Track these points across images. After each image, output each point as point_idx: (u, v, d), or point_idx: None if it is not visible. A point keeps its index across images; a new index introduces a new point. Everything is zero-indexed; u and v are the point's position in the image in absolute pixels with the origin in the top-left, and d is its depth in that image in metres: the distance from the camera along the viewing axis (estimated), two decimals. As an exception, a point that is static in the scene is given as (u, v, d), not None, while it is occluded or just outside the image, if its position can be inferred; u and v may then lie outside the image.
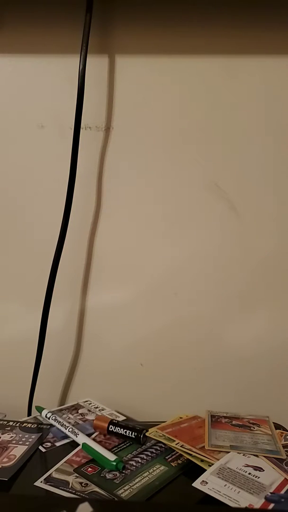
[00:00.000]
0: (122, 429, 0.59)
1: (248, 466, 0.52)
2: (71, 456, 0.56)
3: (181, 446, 0.55)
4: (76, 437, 0.58)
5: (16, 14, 0.67)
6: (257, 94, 0.66)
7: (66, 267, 0.71)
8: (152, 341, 0.72)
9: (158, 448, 0.58)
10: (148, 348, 0.72)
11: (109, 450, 0.56)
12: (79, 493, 0.48)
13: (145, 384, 0.73)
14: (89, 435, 0.59)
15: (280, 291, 0.70)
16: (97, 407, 0.69)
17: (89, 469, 0.53)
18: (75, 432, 0.59)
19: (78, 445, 0.57)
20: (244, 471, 0.51)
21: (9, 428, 0.62)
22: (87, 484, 0.50)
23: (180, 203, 0.69)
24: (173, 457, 0.56)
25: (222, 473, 0.50)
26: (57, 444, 0.59)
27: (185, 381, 0.72)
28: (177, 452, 0.56)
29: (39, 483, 0.50)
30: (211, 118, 0.68)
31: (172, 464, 0.55)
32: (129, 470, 0.53)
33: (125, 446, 0.58)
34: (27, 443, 0.58)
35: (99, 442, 0.58)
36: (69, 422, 0.62)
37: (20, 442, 0.58)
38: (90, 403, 0.70)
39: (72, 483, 0.50)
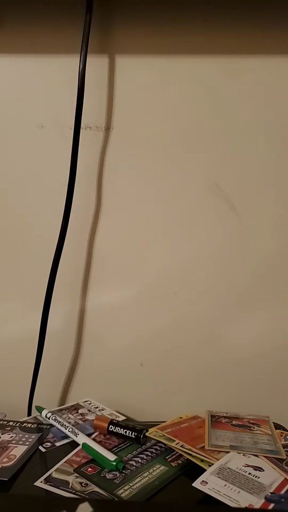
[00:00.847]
0: (122, 429, 0.59)
1: (248, 466, 0.52)
2: (71, 456, 0.56)
3: (181, 446, 0.55)
4: (76, 437, 0.58)
5: (16, 14, 0.67)
6: (257, 94, 0.66)
7: (66, 267, 0.71)
8: (152, 341, 0.72)
9: (158, 448, 0.58)
10: (148, 348, 0.72)
11: (109, 450, 0.56)
12: (79, 493, 0.48)
13: (145, 384, 0.73)
14: (89, 435, 0.59)
15: (280, 291, 0.70)
16: (97, 407, 0.69)
17: (89, 469, 0.53)
18: (75, 432, 0.59)
19: (78, 445, 0.57)
20: (244, 471, 0.51)
21: (9, 428, 0.62)
22: (87, 484, 0.50)
23: (180, 203, 0.69)
24: (173, 457, 0.56)
25: (222, 473, 0.50)
26: (57, 444, 0.59)
27: (185, 381, 0.72)
28: (177, 452, 0.56)
29: (39, 483, 0.50)
30: (211, 118, 0.68)
31: (172, 464, 0.55)
32: (129, 470, 0.53)
33: (125, 446, 0.58)
34: (27, 443, 0.58)
35: (99, 442, 0.58)
36: (69, 422, 0.62)
37: (20, 442, 0.58)
38: (90, 403, 0.70)
39: (72, 483, 0.50)
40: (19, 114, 0.69)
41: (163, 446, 0.58)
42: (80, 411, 0.68)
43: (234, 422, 0.64)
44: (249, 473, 0.50)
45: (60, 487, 0.49)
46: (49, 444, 0.59)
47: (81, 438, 0.58)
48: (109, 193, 0.70)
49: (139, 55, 0.67)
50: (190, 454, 0.54)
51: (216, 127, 0.68)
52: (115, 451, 0.57)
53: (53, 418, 0.63)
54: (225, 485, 0.48)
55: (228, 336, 0.71)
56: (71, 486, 0.49)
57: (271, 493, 0.47)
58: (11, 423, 0.64)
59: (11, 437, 0.60)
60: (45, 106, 0.69)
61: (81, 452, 0.56)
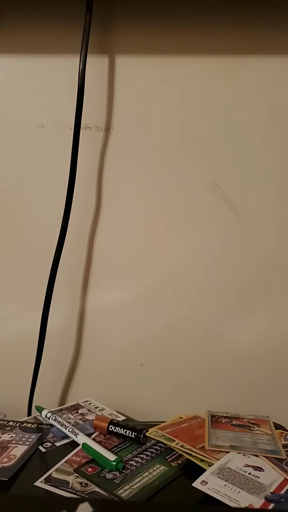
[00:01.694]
0: (122, 429, 0.59)
1: (248, 466, 0.52)
2: (71, 456, 0.56)
3: (181, 446, 0.55)
4: (76, 437, 0.58)
5: (16, 14, 0.67)
6: (257, 94, 0.66)
7: (66, 267, 0.71)
8: (152, 341, 0.72)
9: (158, 448, 0.58)
10: (148, 348, 0.72)
11: (109, 450, 0.56)
12: (79, 493, 0.48)
13: (145, 384, 0.73)
14: (89, 435, 0.59)
15: (280, 291, 0.70)
16: (97, 407, 0.69)
17: (89, 469, 0.53)
18: (75, 432, 0.59)
19: (78, 445, 0.57)
20: (244, 471, 0.51)
21: (9, 428, 0.62)
22: (87, 484, 0.50)
23: (180, 203, 0.69)
24: (173, 457, 0.56)
25: (222, 473, 0.50)
26: (57, 444, 0.59)
27: (185, 381, 0.72)
28: (177, 452, 0.56)
29: (39, 483, 0.50)
30: (211, 118, 0.68)
31: (172, 464, 0.54)
32: (129, 470, 0.53)
33: (125, 446, 0.58)
34: (27, 443, 0.58)
35: (99, 442, 0.58)
36: (69, 422, 0.62)
37: (20, 442, 0.58)
38: (90, 403, 0.70)
39: (72, 483, 0.50)
40: (19, 114, 0.69)
41: (163, 446, 0.58)
42: (80, 411, 0.68)
43: (234, 422, 0.63)
44: (249, 473, 0.50)
45: (60, 487, 0.49)
46: (49, 444, 0.59)
47: (81, 438, 0.58)
48: (109, 193, 0.70)
49: (139, 55, 0.67)
50: (190, 454, 0.54)
51: (216, 127, 0.68)
52: (115, 451, 0.57)
53: (53, 418, 0.63)
54: (225, 485, 0.48)
55: (228, 336, 0.71)
56: (71, 486, 0.49)
57: (271, 493, 0.47)
58: (11, 423, 0.64)
59: (11, 437, 0.60)
60: (45, 106, 0.69)
61: (81, 452, 0.56)
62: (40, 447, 0.58)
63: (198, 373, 0.72)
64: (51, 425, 0.63)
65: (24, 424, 0.63)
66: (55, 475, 0.52)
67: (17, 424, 0.63)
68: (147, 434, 0.58)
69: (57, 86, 0.68)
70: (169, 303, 0.71)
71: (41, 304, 0.69)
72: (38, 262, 0.71)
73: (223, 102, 0.67)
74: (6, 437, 0.60)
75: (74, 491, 0.48)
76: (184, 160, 0.68)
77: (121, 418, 0.65)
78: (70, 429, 0.59)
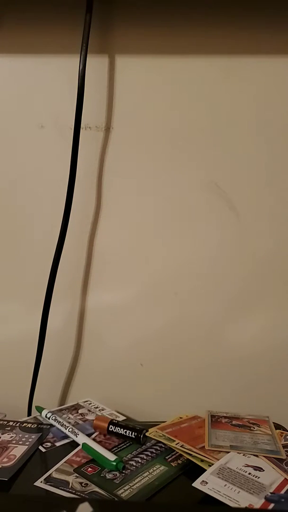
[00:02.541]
0: (122, 429, 0.59)
1: (248, 466, 0.52)
2: (71, 456, 0.56)
3: (181, 446, 0.55)
4: (76, 437, 0.58)
5: (16, 14, 0.67)
6: (257, 94, 0.66)
7: (66, 267, 0.71)
8: (152, 341, 0.72)
9: (158, 448, 0.58)
10: (148, 348, 0.72)
11: (109, 450, 0.56)
12: (79, 493, 0.48)
13: (145, 384, 0.73)
14: (89, 435, 0.59)
15: (280, 290, 0.70)
16: (97, 407, 0.69)
17: (89, 469, 0.53)
18: (75, 432, 0.59)
19: (78, 445, 0.57)
20: (244, 471, 0.51)
21: (9, 428, 0.62)
22: (87, 484, 0.50)
23: (180, 203, 0.69)
24: (173, 457, 0.56)
25: (222, 473, 0.50)
26: (57, 444, 0.59)
27: (185, 381, 0.72)
28: (177, 452, 0.56)
29: (39, 483, 0.50)
30: (211, 118, 0.68)
31: (172, 464, 0.54)
32: (129, 470, 0.53)
33: (125, 446, 0.58)
34: (27, 443, 0.58)
35: (99, 442, 0.58)
36: (69, 422, 0.62)
37: (20, 442, 0.58)
38: (90, 403, 0.70)
39: (72, 483, 0.50)
40: (19, 114, 0.69)
41: (163, 446, 0.58)
42: (80, 411, 0.68)
43: (234, 422, 0.63)
44: (249, 473, 0.50)
45: (60, 487, 0.49)
46: (49, 444, 0.59)
47: (81, 438, 0.58)
48: (109, 193, 0.70)
49: (139, 55, 0.67)
50: (190, 454, 0.54)
51: (216, 127, 0.68)
52: (115, 451, 0.57)
53: (53, 418, 0.63)
54: (225, 485, 0.48)
55: (228, 336, 0.71)
56: (71, 486, 0.49)
57: (271, 493, 0.47)
58: (11, 423, 0.64)
59: (11, 437, 0.60)
60: (45, 106, 0.69)
61: (81, 452, 0.56)
62: (40, 447, 0.58)
63: (198, 373, 0.72)
64: (51, 425, 0.63)
65: (24, 424, 0.63)
66: (55, 475, 0.52)
67: (17, 424, 0.63)
68: (147, 434, 0.58)
69: (57, 86, 0.68)
70: (169, 303, 0.71)
71: (41, 304, 0.69)
72: (38, 262, 0.71)
73: (223, 102, 0.67)
74: (6, 437, 0.60)
75: (74, 491, 0.48)
76: (184, 160, 0.68)
77: (121, 418, 0.65)
78: (70, 429, 0.59)
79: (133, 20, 0.66)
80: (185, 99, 0.67)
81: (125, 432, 0.59)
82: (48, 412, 0.64)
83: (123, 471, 0.52)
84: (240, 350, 0.71)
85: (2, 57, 0.68)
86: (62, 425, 0.61)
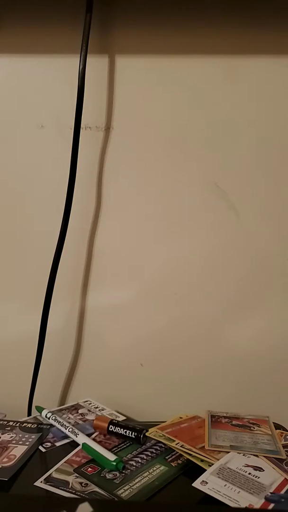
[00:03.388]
0: (122, 429, 0.59)
1: (248, 466, 0.52)
2: (71, 456, 0.56)
3: (181, 446, 0.55)
4: (76, 437, 0.58)
5: (16, 15, 0.67)
6: (257, 94, 0.66)
7: (66, 267, 0.71)
8: (152, 341, 0.72)
9: (158, 448, 0.58)
10: (148, 348, 0.72)
11: (109, 450, 0.56)
12: (79, 493, 0.48)
13: (145, 384, 0.73)
14: (89, 435, 0.59)
15: (280, 290, 0.70)
16: (97, 407, 0.69)
17: (89, 469, 0.53)
18: (75, 432, 0.59)
19: (78, 445, 0.57)
20: (244, 471, 0.51)
21: (9, 428, 0.62)
22: (87, 484, 0.50)
23: (180, 203, 0.69)
24: (173, 457, 0.56)
25: (222, 473, 0.50)
26: (57, 444, 0.59)
27: (185, 381, 0.72)
28: (177, 452, 0.56)
29: (39, 483, 0.50)
30: (211, 118, 0.68)
31: (172, 464, 0.54)
32: (129, 470, 0.53)
33: (125, 446, 0.58)
34: (27, 443, 0.58)
35: (99, 442, 0.58)
36: (69, 422, 0.62)
37: (20, 442, 0.58)
38: (90, 403, 0.70)
39: (72, 483, 0.50)
40: (19, 114, 0.69)
41: (163, 446, 0.58)
42: (80, 411, 0.67)
43: (234, 422, 0.63)
44: (249, 473, 0.50)
45: (60, 487, 0.49)
46: (49, 444, 0.59)
47: (81, 438, 0.58)
48: (109, 193, 0.70)
49: (139, 55, 0.67)
50: (190, 454, 0.54)
51: (216, 127, 0.68)
52: (115, 451, 0.57)
53: (53, 418, 0.63)
54: (225, 485, 0.48)
55: (228, 336, 0.71)
56: (71, 486, 0.49)
57: (271, 493, 0.47)
58: (11, 423, 0.64)
59: (11, 437, 0.60)
60: (45, 106, 0.69)
61: (81, 452, 0.56)
62: (40, 447, 0.58)
63: (198, 373, 0.72)
64: (51, 425, 0.63)
65: (24, 424, 0.63)
66: (55, 475, 0.52)
67: (17, 424, 0.63)
68: (147, 434, 0.58)
69: (57, 86, 0.68)
70: (169, 303, 0.71)
71: (41, 304, 0.69)
72: (38, 262, 0.71)
73: (223, 102, 0.67)
74: (6, 437, 0.60)
75: (74, 491, 0.48)
76: (184, 159, 0.68)
77: (121, 418, 0.65)
78: (70, 429, 0.59)
79: (133, 20, 0.66)
80: (185, 99, 0.67)
81: (125, 432, 0.59)
82: (48, 412, 0.64)
83: (123, 471, 0.52)
84: (240, 350, 0.71)
85: (2, 57, 0.68)
86: (62, 425, 0.61)
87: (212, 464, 0.52)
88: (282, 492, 0.47)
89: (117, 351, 0.73)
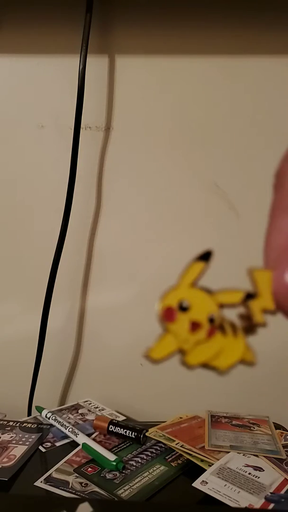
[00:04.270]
0: (122, 429, 0.59)
1: (248, 466, 0.52)
2: (71, 456, 0.56)
3: (181, 446, 0.55)
4: (76, 437, 0.58)
5: (15, 15, 0.67)
6: (257, 94, 0.66)
7: (66, 266, 0.71)
8: (152, 341, 0.72)
9: (158, 448, 0.58)
10: (149, 348, 0.72)
11: (109, 450, 0.56)
12: (79, 493, 0.48)
13: (145, 384, 0.73)
14: (89, 435, 0.59)
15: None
16: (97, 407, 0.69)
17: (89, 469, 0.53)
18: (75, 432, 0.59)
19: (78, 445, 0.57)
20: (244, 471, 0.51)
21: (9, 428, 0.62)
22: (87, 484, 0.50)
23: (181, 203, 0.69)
24: (173, 457, 0.56)
25: (222, 473, 0.50)
26: (57, 444, 0.59)
27: (185, 381, 0.72)
28: (177, 452, 0.56)
29: (39, 483, 0.50)
30: (211, 118, 0.67)
31: (172, 464, 0.54)
32: (129, 470, 0.53)
33: (125, 446, 0.58)
34: (27, 443, 0.58)
35: (99, 442, 0.58)
36: (69, 422, 0.62)
37: (20, 442, 0.58)
38: (90, 403, 0.70)
39: (72, 483, 0.50)
40: (19, 114, 0.69)
41: (163, 446, 0.58)
42: (80, 411, 0.68)
43: (234, 422, 0.63)
44: (249, 473, 0.50)
45: (60, 487, 0.49)
46: (49, 444, 0.59)
47: (81, 438, 0.58)
48: (109, 193, 0.70)
49: (140, 55, 0.66)
50: (190, 454, 0.54)
51: (216, 127, 0.68)
52: (115, 451, 0.57)
53: (53, 418, 0.63)
54: (225, 485, 0.48)
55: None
56: (71, 486, 0.49)
57: (271, 493, 0.47)
58: (11, 423, 0.64)
59: (11, 437, 0.60)
60: (45, 106, 0.69)
61: (81, 452, 0.56)
62: (40, 447, 0.58)
63: (198, 372, 0.71)
64: (51, 425, 0.63)
65: (24, 424, 0.63)
66: (55, 475, 0.52)
67: (17, 424, 0.63)
68: (147, 434, 0.58)
69: (57, 86, 0.68)
70: (169, 303, 0.71)
71: (41, 304, 0.69)
72: (38, 261, 0.71)
73: (223, 102, 0.67)
74: (6, 437, 0.60)
75: (74, 491, 0.48)
76: (184, 160, 0.68)
77: (121, 418, 0.65)
78: (70, 429, 0.59)
79: (133, 20, 0.66)
80: (185, 99, 0.67)
81: (125, 432, 0.59)
82: (48, 412, 0.64)
83: (123, 471, 0.52)
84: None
85: (2, 57, 0.68)
86: (62, 425, 0.61)
87: (212, 464, 0.52)
88: (282, 492, 0.47)
89: (117, 351, 0.73)
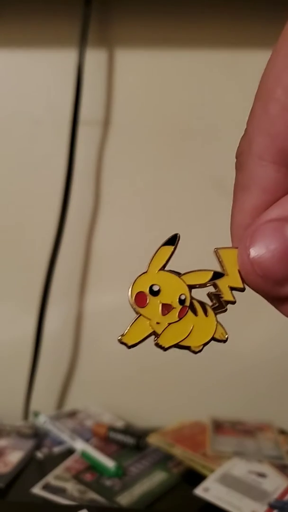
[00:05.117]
0: (121, 435, 0.59)
1: (251, 472, 0.51)
2: (69, 463, 0.55)
3: (182, 452, 0.55)
4: (74, 443, 0.58)
5: (13, 7, 0.66)
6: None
7: (63, 267, 0.70)
8: (152, 345, 0.71)
9: (159, 454, 0.57)
10: (148, 352, 0.71)
11: (108, 456, 0.55)
12: (77, 501, 0.48)
13: (145, 389, 0.72)
14: (87, 441, 0.58)
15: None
16: (96, 413, 0.68)
17: (88, 475, 0.52)
18: (73, 438, 0.58)
19: (76, 451, 0.57)
20: (247, 477, 0.50)
21: (5, 434, 0.61)
22: (85, 491, 0.49)
23: (181, 201, 0.69)
24: (174, 463, 0.55)
25: (224, 480, 0.50)
26: (55, 450, 0.58)
27: (187, 386, 0.71)
28: (178, 459, 0.55)
29: (36, 490, 0.49)
30: (212, 113, 0.67)
31: (173, 470, 0.54)
32: (128, 477, 0.52)
33: (124, 452, 0.58)
34: (24, 449, 0.57)
35: (98, 448, 0.57)
36: (67, 428, 0.62)
37: (17, 448, 0.58)
38: (89, 409, 0.69)
39: (70, 490, 0.49)
40: (15, 108, 0.69)
41: (163, 452, 0.57)
42: (78, 416, 0.67)
43: (237, 428, 0.63)
44: (252, 480, 0.50)
45: (58, 494, 0.49)
46: (46, 450, 0.58)
47: (80, 444, 0.57)
48: (107, 190, 0.69)
49: (139, 48, 0.66)
50: (191, 460, 0.53)
51: (218, 122, 0.67)
52: (114, 457, 0.56)
53: (51, 423, 0.62)
54: (228, 492, 0.47)
55: (231, 339, 0.70)
56: (69, 493, 0.49)
57: (275, 499, 0.46)
58: (7, 429, 0.63)
59: (8, 442, 0.59)
60: (42, 100, 0.68)
61: (80, 459, 0.55)
62: (37, 453, 0.57)
63: (200, 377, 0.71)
64: (49, 431, 0.62)
65: (21, 430, 0.62)
66: (52, 481, 0.51)
67: (14, 430, 0.62)
68: (147, 440, 0.58)
69: (54, 80, 0.68)
70: (169, 307, 0.70)
71: (37, 307, 0.68)
72: (33, 262, 0.70)
73: (224, 96, 0.67)
74: (2, 442, 0.59)
75: (72, 498, 0.48)
76: (185, 156, 0.68)
77: (121, 423, 0.65)
78: (68, 435, 0.59)
79: (133, 13, 0.66)
80: (186, 93, 0.67)
81: (125, 438, 0.58)
82: (45, 417, 0.63)
83: (123, 478, 0.52)
84: (243, 355, 0.70)
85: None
86: (60, 431, 0.60)
87: (214, 471, 0.51)
88: (286, 498, 0.47)
89: (115, 355, 0.72)
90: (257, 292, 0.24)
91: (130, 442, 0.58)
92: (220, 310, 0.25)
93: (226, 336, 0.25)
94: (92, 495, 0.48)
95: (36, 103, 0.69)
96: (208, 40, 0.65)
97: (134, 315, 0.25)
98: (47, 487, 0.50)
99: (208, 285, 0.25)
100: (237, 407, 0.70)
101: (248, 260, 0.22)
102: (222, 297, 0.25)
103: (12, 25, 0.67)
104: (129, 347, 0.24)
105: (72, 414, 0.67)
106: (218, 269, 0.25)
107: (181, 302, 0.24)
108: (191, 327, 0.24)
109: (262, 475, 0.51)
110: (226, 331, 0.26)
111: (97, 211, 0.69)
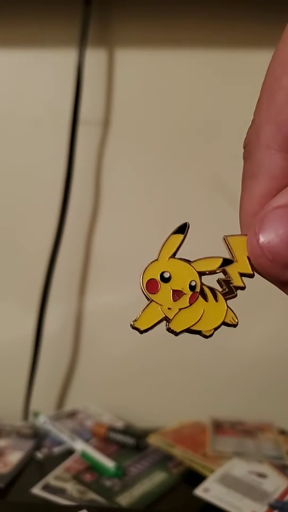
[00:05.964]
0: (121, 435, 0.59)
1: (251, 472, 0.51)
2: (69, 463, 0.55)
3: (182, 453, 0.55)
4: (74, 443, 0.57)
5: (13, 7, 0.66)
6: (259, 88, 0.66)
7: (63, 267, 0.70)
8: (153, 345, 0.71)
9: (159, 455, 0.57)
10: (148, 353, 0.71)
11: (108, 456, 0.55)
12: (77, 501, 0.47)
13: (145, 389, 0.72)
14: (87, 441, 0.58)
15: (284, 295, 0.69)
16: (95, 413, 0.68)
17: (88, 476, 0.52)
18: (73, 438, 0.58)
19: (76, 451, 0.57)
20: (247, 477, 0.50)
21: (5, 434, 0.61)
22: (85, 491, 0.49)
23: (181, 201, 0.69)
24: (174, 463, 0.55)
25: (224, 480, 0.50)
26: (55, 450, 0.58)
27: (187, 386, 0.71)
28: (178, 459, 0.55)
29: (36, 490, 0.49)
30: (212, 112, 0.67)
31: (173, 471, 0.54)
32: (128, 477, 0.52)
33: (124, 452, 0.57)
34: (24, 449, 0.57)
35: (98, 449, 0.57)
36: (67, 428, 0.61)
37: (17, 448, 0.58)
38: (89, 409, 0.69)
39: (70, 490, 0.49)
40: (15, 108, 0.69)
41: (163, 452, 0.57)
42: (78, 416, 0.67)
43: (237, 428, 0.63)
44: (253, 480, 0.50)
45: (58, 495, 0.48)
46: (46, 450, 0.58)
47: (79, 445, 0.57)
48: (107, 190, 0.69)
49: (139, 48, 0.66)
50: (191, 461, 0.53)
51: (217, 122, 0.67)
52: (114, 457, 0.56)
53: (51, 424, 0.62)
54: (228, 492, 0.47)
55: (231, 340, 0.70)
56: (68, 494, 0.49)
57: (275, 500, 0.46)
58: (7, 429, 0.63)
59: (7, 443, 0.59)
60: (42, 100, 0.68)
61: (79, 459, 0.55)
62: (37, 454, 0.57)
63: (200, 378, 0.71)
64: (49, 431, 0.62)
65: (21, 430, 0.62)
66: (52, 482, 0.51)
67: (14, 430, 0.62)
68: (147, 440, 0.58)
69: (54, 80, 0.68)
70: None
71: (36, 307, 0.68)
72: (33, 261, 0.70)
73: (224, 96, 0.67)
74: (2, 443, 0.59)
75: (72, 499, 0.48)
76: (185, 156, 0.68)
77: (120, 423, 0.65)
78: (68, 435, 0.59)
79: (133, 12, 0.65)
80: (186, 93, 0.67)
81: (125, 438, 0.58)
82: (45, 418, 0.63)
83: (123, 478, 0.51)
84: (244, 355, 0.70)
85: (-1, 50, 0.68)
86: (59, 431, 0.60)
87: (214, 471, 0.51)
88: (286, 499, 0.47)
89: (116, 356, 0.72)
90: (266, 278, 0.25)
91: (130, 442, 0.58)
92: (230, 296, 0.26)
93: (237, 321, 0.25)
94: (92, 496, 0.48)
95: (36, 103, 0.69)
96: (208, 40, 0.65)
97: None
98: (47, 487, 0.50)
99: (217, 271, 0.25)
100: (237, 407, 0.70)
101: (257, 245, 0.23)
102: (231, 283, 0.25)
103: (12, 25, 0.67)
104: (142, 332, 0.25)
105: (72, 414, 0.67)
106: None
107: (192, 288, 0.25)
108: (202, 312, 0.25)
109: (262, 475, 0.51)
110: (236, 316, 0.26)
111: (97, 211, 0.69)
